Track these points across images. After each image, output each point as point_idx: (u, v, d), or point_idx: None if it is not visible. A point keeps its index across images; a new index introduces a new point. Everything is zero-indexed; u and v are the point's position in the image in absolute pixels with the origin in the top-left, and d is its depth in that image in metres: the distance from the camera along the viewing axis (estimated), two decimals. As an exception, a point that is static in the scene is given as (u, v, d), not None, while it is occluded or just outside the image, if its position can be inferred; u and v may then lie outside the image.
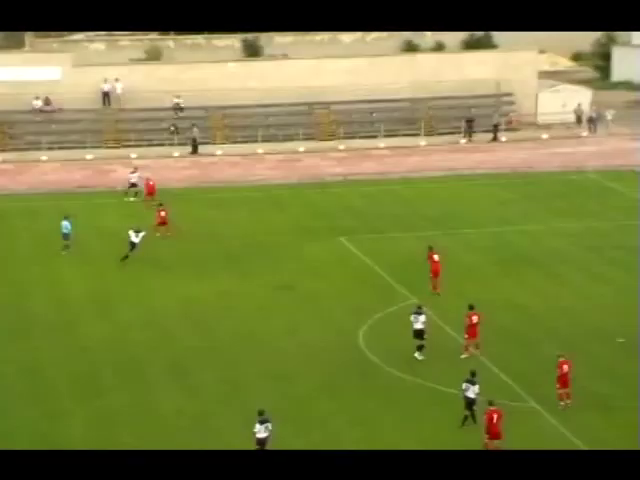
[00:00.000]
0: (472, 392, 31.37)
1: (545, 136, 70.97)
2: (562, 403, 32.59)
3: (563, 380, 32.53)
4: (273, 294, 43.04)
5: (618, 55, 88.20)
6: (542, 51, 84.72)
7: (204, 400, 33.76)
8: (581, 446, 30.15)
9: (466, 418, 31.39)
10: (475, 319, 36.55)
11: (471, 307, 36.83)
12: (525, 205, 55.45)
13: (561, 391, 32.62)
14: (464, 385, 31.57)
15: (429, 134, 71.98)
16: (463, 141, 70.91)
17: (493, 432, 29.64)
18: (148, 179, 56.21)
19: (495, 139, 70.92)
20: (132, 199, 56.55)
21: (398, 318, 40.13)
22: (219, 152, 69.02)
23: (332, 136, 71.66)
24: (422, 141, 70.66)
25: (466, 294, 41.99)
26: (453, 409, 32.71)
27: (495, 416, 29.80)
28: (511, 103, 74.31)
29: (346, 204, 56.41)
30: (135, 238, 46.29)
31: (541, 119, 73.79)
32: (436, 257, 42.87)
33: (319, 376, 35.32)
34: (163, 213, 50.31)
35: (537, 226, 51.61)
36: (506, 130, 72.07)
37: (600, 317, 39.74)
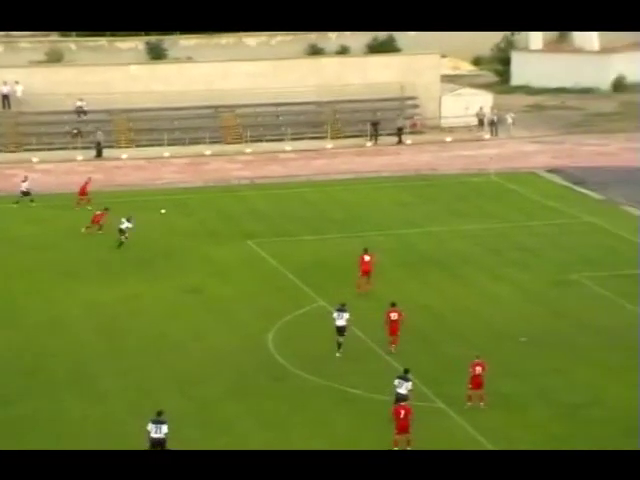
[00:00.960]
0: (405, 389, 31.57)
1: (448, 139, 71.99)
2: (469, 403, 33.07)
3: (475, 381, 33.00)
4: (181, 298, 42.96)
5: (517, 60, 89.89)
6: (444, 55, 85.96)
7: (110, 405, 33.55)
8: (487, 445, 30.71)
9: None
10: (393, 316, 37.13)
11: (392, 304, 37.41)
12: (429, 207, 56.19)
13: (471, 392, 33.07)
14: (396, 381, 31.92)
15: (335, 137, 72.47)
16: (369, 144, 71.56)
17: (401, 426, 30.26)
18: (88, 180, 56.20)
19: (400, 142, 71.71)
20: (33, 204, 55.92)
21: (307, 321, 40.44)
22: (124, 156, 68.54)
23: (238, 139, 71.71)
24: (328, 144, 71.12)
25: (372, 296, 42.46)
26: (361, 409, 33.10)
27: (403, 412, 30.40)
28: (415, 106, 75.23)
29: (253, 207, 56.52)
30: (124, 225, 48.80)
31: (444, 122, 74.85)
32: (367, 258, 43.19)
33: (227, 379, 35.38)
34: (98, 212, 51.26)
35: (441, 228, 52.35)
36: (411, 133, 72.93)
37: (502, 317, 40.50)
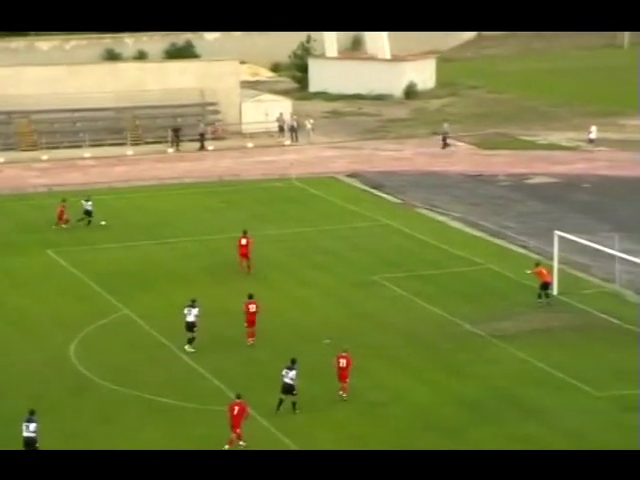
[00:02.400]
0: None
1: (250, 145, 72.39)
2: (342, 394, 33.98)
3: (340, 374, 34.04)
4: (-21, 311, 41.65)
5: (314, 67, 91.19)
6: (243, 61, 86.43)
7: None
8: (292, 446, 31.06)
9: (281, 402, 32.74)
10: (252, 308, 38.35)
11: (250, 296, 38.73)
12: (233, 213, 56.34)
13: (340, 384, 34.04)
14: (284, 371, 33.01)
15: (136, 144, 71.75)
16: (170, 150, 71.16)
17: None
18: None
19: (202, 148, 71.62)
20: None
21: (111, 330, 39.91)
22: None
23: (34, 146, 70.02)
24: (129, 151, 70.34)
25: (178, 301, 42.31)
26: (172, 418, 32.92)
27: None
28: (216, 112, 75.31)
29: (52, 216, 55.23)
30: (87, 206, 52.94)
31: (245, 128, 75.22)
32: (243, 241, 45.90)
33: (29, 393, 34.48)
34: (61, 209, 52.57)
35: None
36: (212, 139, 72.94)
37: (308, 319, 41.04)
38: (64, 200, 53.53)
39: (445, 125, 71.90)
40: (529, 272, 42.94)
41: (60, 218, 53.10)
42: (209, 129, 73.27)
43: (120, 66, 77.35)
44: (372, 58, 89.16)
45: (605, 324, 40.15)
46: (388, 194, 60.28)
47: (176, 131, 71.58)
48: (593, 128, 70.64)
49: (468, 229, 53.27)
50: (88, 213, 53.31)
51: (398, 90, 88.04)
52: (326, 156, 69.64)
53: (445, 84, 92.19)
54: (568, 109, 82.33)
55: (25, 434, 29.94)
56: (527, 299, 42.55)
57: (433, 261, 47.78)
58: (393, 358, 37.09)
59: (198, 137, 71.84)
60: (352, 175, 64.58)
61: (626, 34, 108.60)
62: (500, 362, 37.06)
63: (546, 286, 41.95)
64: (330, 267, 46.90)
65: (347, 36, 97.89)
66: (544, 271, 42.16)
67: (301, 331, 39.85)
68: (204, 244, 50.87)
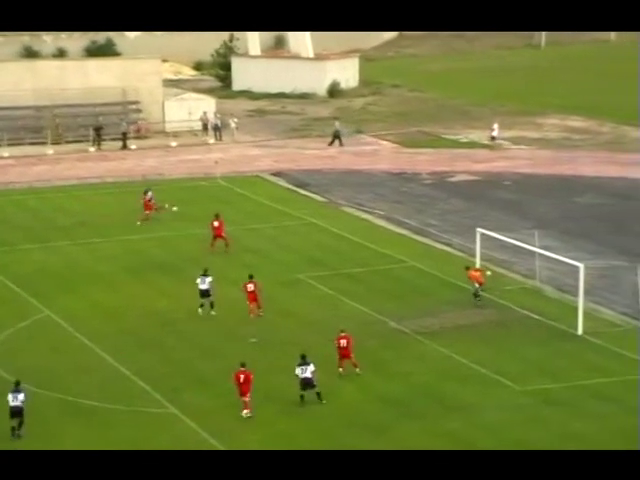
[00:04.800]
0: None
1: (174, 144, 71.95)
2: (340, 369, 35.50)
3: (342, 353, 35.63)
4: None
5: (237, 65, 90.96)
6: (165, 60, 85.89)
7: None
8: (218, 447, 30.96)
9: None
10: (250, 287, 40.40)
11: (250, 276, 41.05)
12: (157, 212, 55.84)
13: (340, 361, 35.54)
14: (299, 369, 33.53)
15: (56, 143, 70.87)
16: (92, 149, 70.43)
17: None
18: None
19: (125, 147, 71.01)
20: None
21: (32, 332, 39.40)
22: None
23: (-49, 146, 68.82)
24: (49, 150, 69.47)
25: (102, 303, 42.01)
26: (94, 420, 32.61)
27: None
28: (139, 111, 74.72)
29: (-27, 216, 54.46)
30: None
31: (169, 127, 74.75)
32: (216, 223, 48.59)
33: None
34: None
35: (168, 233, 52.24)
36: (135, 138, 72.34)
37: (233, 318, 40.89)
38: (147, 190, 53.74)
39: (337, 123, 72.44)
40: (489, 273, 43.07)
41: (149, 208, 53.06)
42: (131, 128, 72.65)
43: (39, 64, 76.29)
44: (295, 57, 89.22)
45: (526, 320, 40.67)
46: (313, 193, 60.37)
47: (98, 130, 70.87)
48: (495, 125, 71.83)
49: (392, 227, 53.59)
50: None
51: (321, 89, 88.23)
52: (251, 155, 69.53)
53: (368, 83, 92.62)
54: (488, 108, 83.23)
55: (13, 403, 31.49)
56: (451, 296, 42.94)
57: (358, 259, 47.97)
58: (318, 356, 37.08)
59: (120, 136, 71.22)
60: (277, 174, 64.56)
61: (543, 34, 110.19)
62: (424, 359, 37.36)
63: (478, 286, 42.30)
64: (255, 266, 46.77)
65: (270, 35, 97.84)
66: (475, 274, 42.38)
67: (226, 330, 39.73)
68: (127, 245, 50.44)
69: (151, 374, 35.88)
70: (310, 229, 53.20)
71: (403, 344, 38.54)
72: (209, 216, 54.34)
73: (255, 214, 55.50)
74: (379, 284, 44.78)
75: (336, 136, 71.36)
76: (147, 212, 53.31)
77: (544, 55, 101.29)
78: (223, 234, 48.64)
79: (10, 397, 31.75)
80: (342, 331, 36.01)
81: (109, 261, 48.04)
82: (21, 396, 31.70)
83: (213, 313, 40.98)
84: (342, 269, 46.63)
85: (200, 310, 41.05)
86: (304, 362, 33.72)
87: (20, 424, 31.52)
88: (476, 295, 42.06)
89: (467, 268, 42.92)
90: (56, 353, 37.50)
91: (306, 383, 33.52)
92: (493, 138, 71.52)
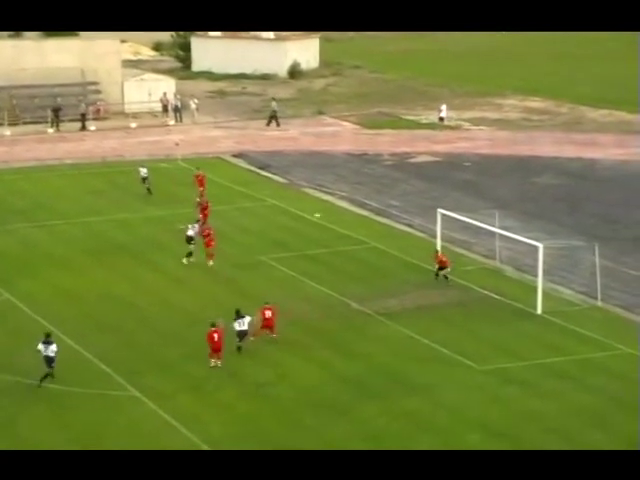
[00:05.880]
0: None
1: (133, 125, 71.53)
2: (252, 338, 36.14)
3: (266, 323, 36.70)
4: None
5: (197, 46, 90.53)
6: (124, 40, 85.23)
7: None
8: (181, 429, 30.95)
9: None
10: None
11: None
12: (118, 194, 55.67)
13: (260, 331, 36.60)
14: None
15: (13, 124, 70.22)
16: (51, 130, 69.89)
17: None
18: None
19: (84, 128, 70.52)
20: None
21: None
22: None
23: None
24: (6, 131, 68.83)
25: (61, 286, 41.79)
26: (54, 403, 32.49)
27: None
28: (97, 92, 74.18)
29: None
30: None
31: (128, 108, 74.31)
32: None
33: None
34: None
35: (129, 214, 52.03)
36: (94, 119, 71.84)
37: (193, 301, 40.83)
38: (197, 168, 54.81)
39: (273, 103, 72.48)
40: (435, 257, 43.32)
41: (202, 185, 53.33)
42: (90, 109, 72.12)
43: (-5, 44, 75.54)
44: (256, 37, 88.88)
45: (486, 300, 40.93)
46: (274, 174, 60.30)
47: (56, 111, 70.30)
48: (443, 107, 72.15)
49: (354, 208, 53.65)
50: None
51: (282, 70, 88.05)
52: (211, 136, 69.28)
53: (329, 64, 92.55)
54: (448, 89, 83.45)
55: (46, 353, 33.44)
56: (412, 277, 43.12)
57: (320, 241, 48.02)
58: (280, 338, 37.19)
59: (79, 117, 70.71)
60: (238, 155, 64.39)
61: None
62: (386, 339, 37.51)
63: (442, 268, 42.48)
64: (216, 248, 46.70)
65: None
66: (442, 257, 42.66)
67: (185, 313, 39.66)
68: (86, 227, 50.17)
69: (112, 357, 35.76)
70: (271, 211, 53.16)
71: (365, 325, 38.66)
72: (169, 198, 54.36)
73: (216, 196, 55.24)
74: (341, 265, 44.86)
75: (272, 116, 71.45)
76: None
77: (504, 37, 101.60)
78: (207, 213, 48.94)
79: (41, 347, 33.46)
80: (267, 303, 37.15)
81: (69, 244, 47.76)
82: (53, 347, 33.48)
83: (186, 262, 43.94)
84: (304, 250, 46.66)
85: (185, 260, 43.94)
86: (240, 316, 35.80)
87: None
88: (445, 277, 42.33)
89: (436, 252, 43.11)
90: (15, 336, 37.26)
91: (243, 335, 35.77)
92: (441, 119, 71.83)
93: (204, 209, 49.40)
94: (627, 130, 69.75)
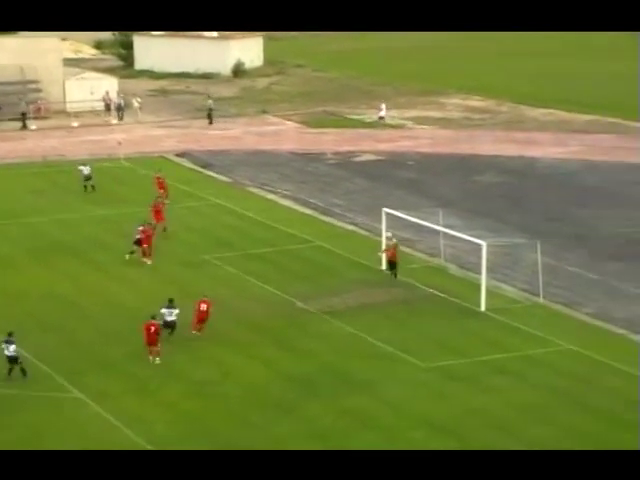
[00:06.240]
0: (174, 315, 36.23)
1: (75, 124, 70.95)
2: (194, 332, 36.86)
3: (199, 316, 37.03)
4: None
5: (139, 44, 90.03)
6: (64, 38, 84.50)
7: None
8: (124, 429, 30.76)
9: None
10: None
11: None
12: (58, 194, 55.21)
13: (196, 325, 36.95)
14: (166, 310, 36.13)
15: (-47, 123, 69.39)
16: (-10, 130, 69.18)
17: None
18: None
19: (24, 127, 69.83)
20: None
21: None
22: None
23: None
24: (-54, 131, 68.03)
25: (2, 285, 41.43)
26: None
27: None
28: (38, 90, 73.47)
29: None
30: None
31: (70, 107, 73.70)
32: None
33: None
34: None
35: (72, 214, 51.61)
36: (35, 118, 71.17)
37: (136, 300, 40.55)
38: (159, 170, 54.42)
39: (210, 101, 72.41)
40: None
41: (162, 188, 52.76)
42: (31, 108, 71.41)
43: None
44: (199, 36, 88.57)
45: (431, 297, 41.16)
46: (218, 173, 60.15)
47: (-4, 110, 69.59)
48: (383, 106, 72.39)
49: (298, 207, 53.68)
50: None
51: (226, 68, 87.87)
52: (154, 135, 68.93)
53: (272, 63, 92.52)
54: (391, 88, 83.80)
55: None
56: (357, 275, 43.24)
57: (264, 240, 47.97)
58: (224, 336, 37.14)
59: (19, 116, 69.98)
60: (181, 154, 64.14)
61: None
62: (330, 337, 37.58)
63: (393, 264, 42.67)
64: (160, 247, 46.47)
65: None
66: (389, 252, 42.91)
67: (129, 312, 39.38)
68: (28, 226, 49.67)
69: (53, 357, 35.46)
70: (216, 210, 53.01)
71: (309, 323, 38.70)
72: (112, 197, 54.01)
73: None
74: (286, 264, 44.87)
75: (209, 114, 71.38)
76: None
77: (447, 36, 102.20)
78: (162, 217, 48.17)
79: (3, 346, 33.92)
80: (205, 296, 37.56)
81: (10, 243, 47.27)
82: (12, 347, 33.80)
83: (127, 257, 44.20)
84: (248, 249, 46.60)
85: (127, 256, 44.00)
86: (171, 306, 36.59)
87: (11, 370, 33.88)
88: (394, 274, 42.57)
89: (385, 249, 43.30)
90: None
91: (170, 326, 36.35)
92: (381, 118, 72.04)
93: (157, 212, 48.34)
94: (566, 129, 70.54)
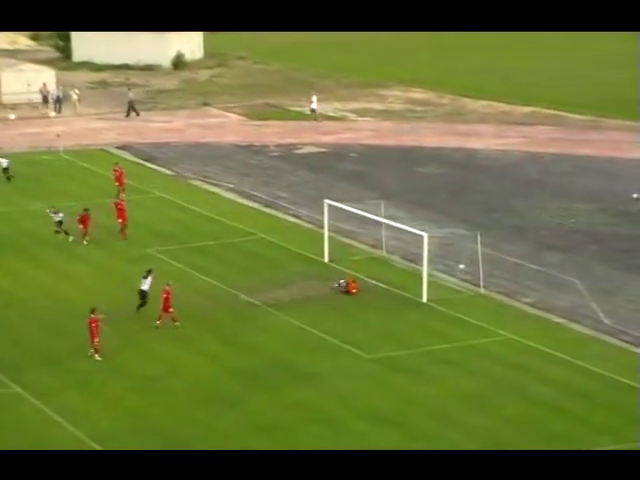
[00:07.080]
0: (147, 285, 37.76)
1: (12, 116, 70.15)
2: (158, 322, 37.03)
3: (164, 305, 37.08)
4: None
5: (77, 36, 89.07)
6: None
7: None
8: (68, 426, 30.55)
9: None
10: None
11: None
12: (-3, 187, 54.63)
13: (161, 314, 37.09)
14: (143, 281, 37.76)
15: None
16: None
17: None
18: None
19: (-39, 121, 68.93)
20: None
21: None
22: None
23: None
24: None
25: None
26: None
27: (93, 324, 35.47)
28: (-26, 83, 72.59)
29: None
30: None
31: (6, 99, 72.86)
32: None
33: None
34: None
35: (11, 208, 51.10)
36: (-28, 111, 70.30)
37: (81, 295, 40.25)
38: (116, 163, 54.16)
39: (130, 94, 72.12)
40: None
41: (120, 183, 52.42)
42: (-32, 101, 70.54)
43: None
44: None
45: (374, 289, 41.37)
46: (160, 166, 59.84)
47: None
48: (314, 98, 72.23)
49: (241, 200, 53.61)
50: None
51: (166, 60, 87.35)
52: (94, 128, 68.37)
53: (213, 55, 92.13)
54: (333, 80, 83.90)
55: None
56: (301, 268, 43.32)
57: (208, 233, 47.86)
58: (168, 331, 37.03)
59: (-43, 109, 69.12)
60: (122, 147, 63.70)
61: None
62: (275, 330, 37.64)
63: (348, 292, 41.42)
64: (102, 241, 46.20)
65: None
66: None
67: (72, 307, 39.11)
68: (-32, 221, 49.11)
69: (-4, 353, 35.15)
70: (158, 203, 52.75)
71: (254, 316, 38.72)
72: (51, 191, 53.55)
73: (100, 188, 54.60)
74: (229, 257, 44.82)
75: (131, 106, 70.97)
76: None
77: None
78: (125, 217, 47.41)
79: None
80: (167, 284, 37.66)
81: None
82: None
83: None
84: (192, 243, 46.47)
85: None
86: (147, 275, 38.17)
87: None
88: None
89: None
90: None
91: (141, 294, 37.83)
92: (313, 110, 71.87)
93: (120, 210, 47.39)
94: (506, 121, 71.13)
